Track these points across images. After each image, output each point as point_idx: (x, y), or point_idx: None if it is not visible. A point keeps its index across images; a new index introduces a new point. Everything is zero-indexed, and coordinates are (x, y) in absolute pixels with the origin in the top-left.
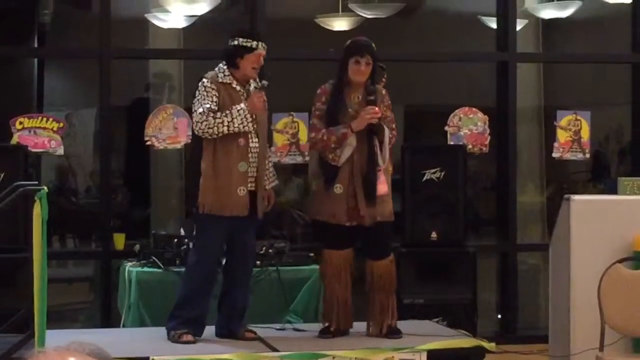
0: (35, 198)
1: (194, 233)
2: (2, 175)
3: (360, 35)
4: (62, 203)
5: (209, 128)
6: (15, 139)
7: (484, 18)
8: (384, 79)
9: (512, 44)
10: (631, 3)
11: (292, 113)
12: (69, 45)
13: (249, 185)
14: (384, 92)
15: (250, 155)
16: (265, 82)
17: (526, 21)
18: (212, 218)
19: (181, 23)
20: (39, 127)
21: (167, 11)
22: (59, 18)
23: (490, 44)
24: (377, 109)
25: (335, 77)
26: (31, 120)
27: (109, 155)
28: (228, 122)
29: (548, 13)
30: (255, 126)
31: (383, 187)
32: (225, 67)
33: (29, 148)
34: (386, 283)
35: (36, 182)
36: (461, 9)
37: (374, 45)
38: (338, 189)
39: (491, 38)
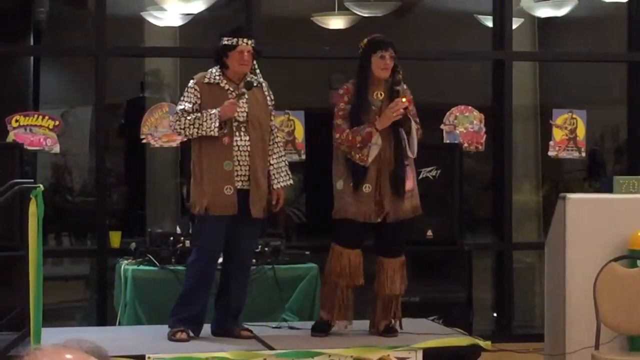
0: (31, 196)
1: (194, 232)
2: None
3: (356, 33)
4: (58, 201)
5: (181, 129)
6: (11, 137)
7: (480, 16)
8: (400, 74)
9: (508, 43)
10: (627, 2)
11: (288, 111)
12: (65, 43)
13: (239, 183)
14: (404, 86)
15: (238, 153)
16: (244, 90)
17: (522, 20)
18: (208, 217)
19: (177, 21)
20: (35, 125)
21: (162, 9)
22: (55, 16)
23: (486, 42)
24: (403, 99)
25: (357, 76)
26: (27, 118)
27: (104, 153)
28: (198, 124)
29: (544, 12)
30: (245, 124)
31: (410, 182)
32: (217, 67)
33: (25, 146)
34: (394, 283)
35: (32, 180)
36: (457, 7)
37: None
38: (367, 188)
39: (487, 36)
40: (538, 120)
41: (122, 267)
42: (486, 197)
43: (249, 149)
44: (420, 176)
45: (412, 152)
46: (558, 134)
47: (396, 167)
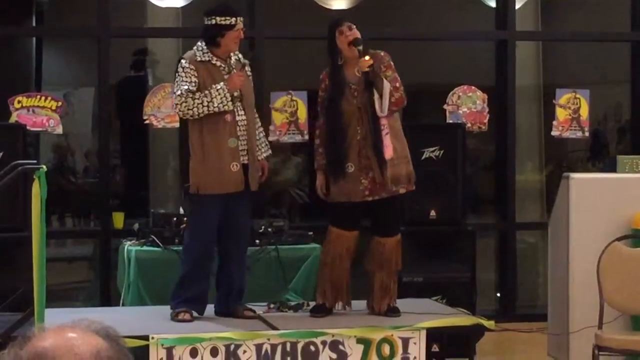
0: (34, 177)
1: (189, 213)
2: (0, 154)
3: (357, 14)
4: (61, 182)
5: (188, 109)
6: (13, 118)
7: None
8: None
9: (511, 22)
10: None
11: (290, 92)
12: (67, 24)
13: (242, 159)
14: (382, 54)
15: (239, 129)
16: (246, 61)
17: None
18: (205, 197)
19: (179, 2)
20: (38, 106)
21: None
22: None
23: (490, 22)
24: (366, 57)
25: (330, 62)
26: (30, 99)
27: (107, 134)
28: (207, 102)
29: None
30: (240, 100)
31: (389, 150)
32: (204, 45)
33: (28, 127)
34: (391, 262)
35: (35, 161)
36: None
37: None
38: (349, 167)
39: (490, 16)
40: (541, 100)
41: (126, 248)
42: (489, 177)
43: (246, 123)
44: (424, 156)
45: (382, 110)
46: (561, 114)
47: (375, 142)
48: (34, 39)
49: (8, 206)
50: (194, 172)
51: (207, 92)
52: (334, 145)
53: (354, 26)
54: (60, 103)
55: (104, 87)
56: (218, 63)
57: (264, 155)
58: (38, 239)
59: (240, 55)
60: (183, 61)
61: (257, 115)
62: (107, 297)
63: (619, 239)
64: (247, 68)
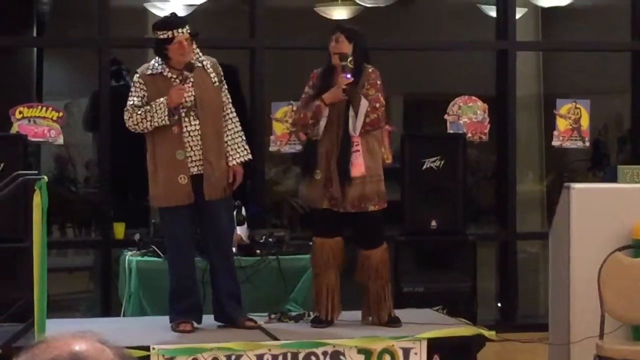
0: (35, 187)
1: (160, 227)
2: (1, 165)
3: (359, 24)
4: (62, 192)
5: (135, 124)
6: (15, 129)
7: (484, 6)
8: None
9: (511, 33)
10: None
11: (291, 102)
12: (68, 34)
13: (194, 169)
14: (370, 70)
15: (189, 139)
16: (187, 73)
17: (526, 9)
18: (168, 209)
19: (180, 12)
20: (39, 117)
21: (166, 0)
22: (58, 7)
23: (490, 32)
24: (348, 75)
25: (325, 63)
26: (31, 109)
27: (108, 144)
28: (150, 116)
29: (547, 1)
30: (194, 108)
31: (358, 169)
32: (159, 58)
33: (29, 137)
34: (380, 273)
35: (36, 172)
36: None
37: (358, 29)
38: (317, 174)
39: (491, 26)
40: (542, 110)
41: (127, 258)
42: (490, 187)
43: (199, 132)
44: (424, 166)
45: (353, 130)
46: (562, 124)
47: (342, 154)
48: (35, 49)
49: (9, 217)
50: (150, 185)
51: (149, 107)
52: (306, 150)
53: (343, 37)
54: (61, 113)
55: (104, 97)
56: (170, 74)
57: (239, 160)
58: (39, 250)
59: (202, 62)
60: (135, 76)
61: (230, 119)
62: (108, 308)
63: (619, 249)
64: (212, 73)
